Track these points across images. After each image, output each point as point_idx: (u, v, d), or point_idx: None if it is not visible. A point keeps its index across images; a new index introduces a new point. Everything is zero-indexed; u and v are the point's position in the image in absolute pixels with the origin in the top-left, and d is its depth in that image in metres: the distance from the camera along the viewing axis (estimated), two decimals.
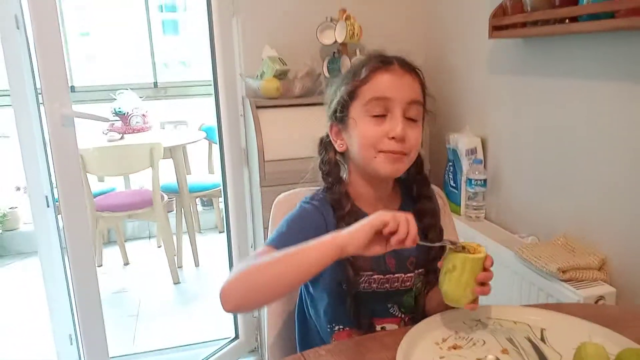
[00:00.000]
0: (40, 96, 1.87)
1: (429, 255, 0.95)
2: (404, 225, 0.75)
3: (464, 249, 0.82)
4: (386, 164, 0.88)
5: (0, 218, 3.39)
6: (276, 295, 0.82)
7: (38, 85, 1.85)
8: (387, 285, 0.94)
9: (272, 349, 1.12)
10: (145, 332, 2.41)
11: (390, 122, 0.87)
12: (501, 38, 1.58)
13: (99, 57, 4.53)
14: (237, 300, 0.79)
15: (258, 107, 1.81)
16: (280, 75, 1.85)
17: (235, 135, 1.99)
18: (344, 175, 0.97)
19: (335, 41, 1.90)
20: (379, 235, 0.76)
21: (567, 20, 1.29)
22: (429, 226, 0.96)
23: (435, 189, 1.13)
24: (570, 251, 1.36)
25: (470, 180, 1.70)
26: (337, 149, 0.95)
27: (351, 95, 0.90)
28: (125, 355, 2.12)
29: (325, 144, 0.98)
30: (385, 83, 0.88)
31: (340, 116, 0.92)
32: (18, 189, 3.48)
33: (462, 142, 1.75)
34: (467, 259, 0.80)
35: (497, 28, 1.53)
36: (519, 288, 1.41)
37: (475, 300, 0.82)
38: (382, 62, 0.89)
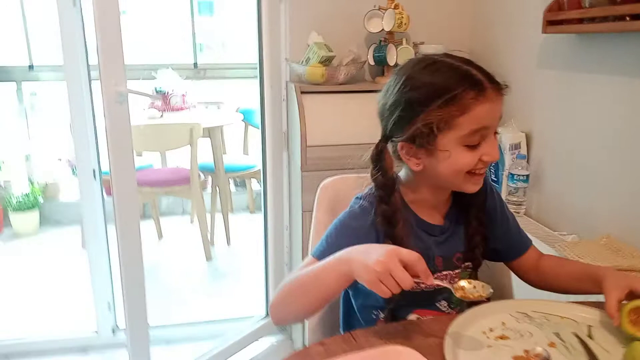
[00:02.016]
0: (91, 73, 1.95)
1: (474, 244, 0.97)
2: (398, 276, 0.72)
3: (463, 288, 0.79)
4: (473, 185, 0.89)
5: (42, 188, 3.52)
6: (310, 313, 0.87)
7: (90, 63, 1.92)
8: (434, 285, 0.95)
9: (313, 329, 1.15)
10: (177, 305, 2.49)
11: (486, 148, 0.85)
12: (555, 33, 1.55)
13: (137, 36, 4.59)
14: (279, 318, 0.88)
15: (302, 93, 1.83)
16: (326, 62, 1.86)
17: (277, 118, 2.02)
18: (398, 187, 0.94)
19: (382, 29, 1.90)
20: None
21: (627, 18, 1.27)
22: (474, 218, 0.97)
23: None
24: (614, 252, 1.34)
25: (512, 175, 1.69)
26: (412, 167, 0.90)
27: (446, 125, 0.83)
28: (160, 325, 2.19)
29: (382, 158, 0.92)
30: (484, 113, 0.83)
31: (426, 144, 0.85)
32: (60, 160, 3.59)
33: (506, 136, 1.73)
34: None
35: (552, 23, 1.51)
36: None
37: None
38: (476, 87, 0.82)
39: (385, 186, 0.92)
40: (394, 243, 0.89)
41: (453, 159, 0.85)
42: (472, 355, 0.77)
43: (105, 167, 1.67)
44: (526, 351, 0.77)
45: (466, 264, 0.97)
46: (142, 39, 4.41)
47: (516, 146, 1.72)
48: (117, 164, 1.56)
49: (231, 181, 3.73)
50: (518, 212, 1.72)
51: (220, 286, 2.72)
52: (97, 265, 2.13)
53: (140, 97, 3.24)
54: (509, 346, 0.80)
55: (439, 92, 0.83)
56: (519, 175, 1.68)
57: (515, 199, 1.71)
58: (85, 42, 1.90)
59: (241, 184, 3.85)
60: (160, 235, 3.27)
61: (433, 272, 0.92)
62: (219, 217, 3.21)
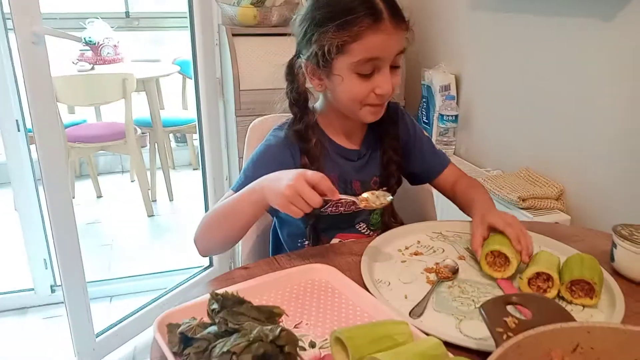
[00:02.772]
0: (7, 22, 1.81)
1: (389, 172, 1.00)
2: (306, 195, 0.75)
3: (366, 199, 0.82)
4: (370, 115, 0.91)
5: None
6: (232, 242, 0.90)
7: (5, 10, 1.79)
8: (353, 207, 0.98)
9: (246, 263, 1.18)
10: (120, 261, 2.45)
11: (378, 80, 0.86)
12: None
13: None
14: (204, 249, 0.91)
15: (234, 35, 1.79)
16: (258, 3, 1.82)
17: (210, 65, 1.97)
18: (312, 106, 0.96)
19: None
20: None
21: None
22: (388, 148, 1.00)
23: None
24: (531, 182, 1.43)
25: (442, 116, 1.75)
26: (315, 88, 0.92)
27: (338, 49, 0.84)
28: (101, 280, 2.16)
29: (294, 72, 0.93)
30: (376, 44, 0.83)
31: (323, 64, 0.86)
32: None
33: (436, 78, 1.78)
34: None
35: None
36: None
37: None
38: (373, 16, 0.82)
39: (298, 102, 0.94)
40: (311, 167, 0.91)
41: (346, 86, 0.87)
42: (387, 269, 0.82)
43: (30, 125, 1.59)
44: (437, 264, 0.82)
45: (384, 188, 1.01)
46: None
47: (446, 87, 1.77)
48: (38, 113, 1.48)
49: (172, 137, 3.63)
50: (447, 152, 1.78)
51: (163, 240, 2.69)
52: (29, 225, 2.05)
53: (69, 48, 3.07)
54: (422, 261, 0.85)
55: (337, 14, 0.84)
56: (448, 115, 1.74)
57: (445, 139, 1.77)
58: None
59: (182, 139, 3.76)
60: (99, 194, 3.17)
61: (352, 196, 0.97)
62: (160, 174, 3.15)
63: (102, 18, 3.15)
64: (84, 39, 3.06)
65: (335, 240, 1.00)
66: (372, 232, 1.03)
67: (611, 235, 0.82)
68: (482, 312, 0.56)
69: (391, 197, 0.82)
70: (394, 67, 0.88)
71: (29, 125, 1.87)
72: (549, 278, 0.73)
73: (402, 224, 0.97)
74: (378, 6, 0.83)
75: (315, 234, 0.97)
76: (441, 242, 0.91)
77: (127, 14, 3.39)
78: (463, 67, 1.79)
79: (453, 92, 1.78)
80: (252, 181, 0.85)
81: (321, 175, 0.77)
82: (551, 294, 0.72)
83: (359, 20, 0.82)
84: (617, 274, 0.80)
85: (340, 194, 0.90)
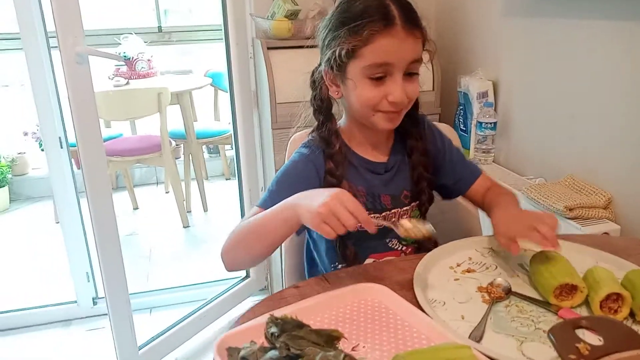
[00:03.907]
0: (50, 40, 1.87)
1: (420, 186, 0.99)
2: (341, 215, 0.73)
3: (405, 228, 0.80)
4: (384, 122, 0.89)
5: (10, 163, 3.43)
6: (261, 258, 0.88)
7: (48, 29, 1.85)
8: (384, 222, 0.96)
9: (289, 281, 1.18)
10: (158, 272, 2.49)
11: (390, 86, 0.85)
12: None
13: (99, 1, 4.41)
14: (231, 265, 0.90)
15: (269, 48, 1.80)
16: (292, 16, 1.83)
17: (245, 77, 1.99)
18: (337, 115, 0.97)
19: None
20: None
21: None
22: (417, 164, 0.98)
23: (442, 127, 1.16)
24: (577, 191, 1.39)
25: (480, 123, 1.72)
26: (332, 95, 0.93)
27: (349, 54, 0.85)
28: (141, 292, 2.20)
29: (317, 80, 0.95)
30: (387, 48, 0.83)
31: (337, 69, 0.88)
32: (26, 134, 3.49)
33: (473, 85, 1.75)
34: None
35: None
36: None
37: None
38: (384, 21, 0.82)
39: (320, 109, 0.95)
40: (336, 178, 0.92)
41: (359, 91, 0.87)
42: (440, 288, 0.80)
43: (72, 139, 1.63)
44: (489, 284, 0.80)
45: (415, 202, 0.99)
46: (104, 3, 4.24)
47: (483, 94, 1.74)
48: (82, 130, 1.52)
49: (205, 148, 3.69)
50: (487, 160, 1.75)
51: (200, 251, 2.72)
52: (72, 238, 2.11)
53: (105, 64, 3.15)
54: (475, 278, 0.83)
55: (350, 19, 0.85)
56: (486, 123, 1.71)
57: (484, 147, 1.74)
58: (40, 7, 1.83)
59: (214, 150, 3.81)
60: (135, 206, 3.24)
61: (381, 211, 0.96)
62: (194, 185, 3.19)
63: (135, 33, 3.23)
64: (119, 54, 3.14)
65: (369, 261, 0.98)
66: (404, 247, 1.01)
67: None
68: (552, 337, 0.54)
69: (433, 229, 0.79)
70: (409, 75, 0.87)
71: (70, 140, 1.93)
72: (618, 297, 0.70)
73: (435, 240, 0.95)
74: (391, 11, 0.83)
75: (344, 252, 0.95)
76: (493, 258, 0.89)
77: (159, 28, 3.46)
78: (500, 73, 1.76)
79: (491, 98, 1.75)
80: (276, 197, 0.86)
81: (358, 205, 0.74)
82: (623, 313, 0.69)
83: (370, 24, 0.83)
84: None
85: (369, 209, 0.92)
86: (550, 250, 0.79)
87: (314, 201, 0.75)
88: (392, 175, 0.98)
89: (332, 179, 0.93)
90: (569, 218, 1.31)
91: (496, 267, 0.86)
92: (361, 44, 0.84)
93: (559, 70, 1.50)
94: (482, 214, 1.14)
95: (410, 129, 0.99)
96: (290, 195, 0.83)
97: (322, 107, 0.95)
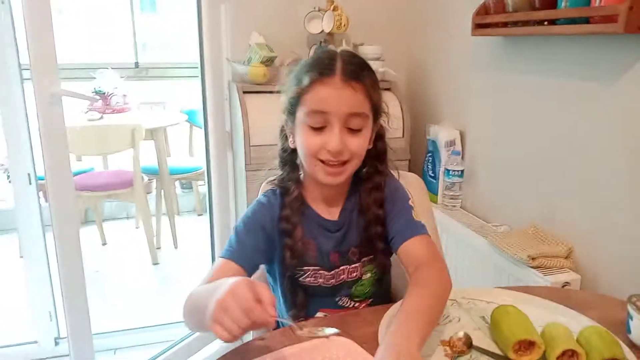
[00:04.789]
0: (22, 73, 1.87)
1: (371, 242, 0.97)
2: (235, 316, 0.65)
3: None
4: (325, 175, 0.91)
5: None
6: (205, 331, 0.80)
7: (22, 62, 1.85)
8: (333, 280, 0.98)
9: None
10: (124, 311, 2.43)
11: (328, 135, 0.87)
12: (483, 36, 1.64)
13: (75, 35, 4.42)
14: (188, 326, 0.87)
15: (245, 92, 1.84)
16: (267, 62, 1.88)
17: (220, 118, 2.02)
18: (300, 166, 0.98)
19: (322, 31, 1.93)
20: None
21: (546, 23, 1.36)
22: (369, 224, 0.97)
23: (410, 176, 1.19)
24: (540, 240, 1.44)
25: (448, 170, 1.78)
26: (291, 145, 0.95)
27: (295, 101, 0.90)
28: (105, 332, 2.14)
29: (284, 133, 0.98)
30: (323, 97, 0.86)
31: (289, 117, 0.93)
32: None
33: (441, 134, 1.82)
34: None
35: (480, 26, 1.60)
36: (491, 274, 1.50)
37: None
38: (322, 72, 0.87)
39: (285, 161, 0.98)
40: (291, 224, 0.94)
41: (301, 138, 0.90)
42: None
43: (40, 172, 1.61)
44: (451, 337, 0.82)
45: (366, 258, 0.99)
46: (81, 37, 4.25)
47: (451, 143, 1.81)
48: (52, 168, 1.51)
49: (177, 184, 3.66)
50: (454, 206, 1.80)
51: (168, 290, 2.67)
52: (35, 274, 2.05)
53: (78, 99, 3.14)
54: (438, 331, 0.85)
55: (300, 70, 0.91)
56: (454, 170, 1.77)
57: (451, 194, 1.80)
58: (15, 41, 1.83)
59: (187, 186, 3.79)
60: (104, 241, 3.17)
61: (329, 269, 0.97)
62: (165, 220, 3.15)
63: (112, 68, 3.24)
64: (95, 89, 3.14)
65: (320, 314, 0.99)
66: (357, 304, 1.02)
67: (627, 304, 0.82)
68: None
69: (331, 332, 0.75)
70: (353, 130, 0.88)
71: (39, 173, 1.90)
72: (573, 354, 0.73)
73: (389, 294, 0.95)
74: (332, 63, 0.88)
75: (294, 299, 0.97)
76: (456, 310, 0.92)
77: (136, 64, 3.48)
78: (468, 122, 1.84)
79: (458, 147, 1.82)
80: (238, 247, 0.90)
81: (255, 298, 0.66)
82: None
83: (312, 74, 0.88)
84: (634, 346, 0.80)
85: (319, 264, 0.94)
86: (511, 305, 0.82)
87: (216, 293, 0.68)
88: (342, 233, 0.99)
89: (286, 226, 0.95)
90: (532, 267, 1.35)
91: (459, 320, 0.88)
92: (304, 91, 0.88)
93: (524, 123, 1.57)
94: (446, 245, 1.15)
95: (368, 190, 0.98)
96: (252, 245, 0.89)
97: (286, 158, 0.98)
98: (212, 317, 0.66)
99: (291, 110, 0.91)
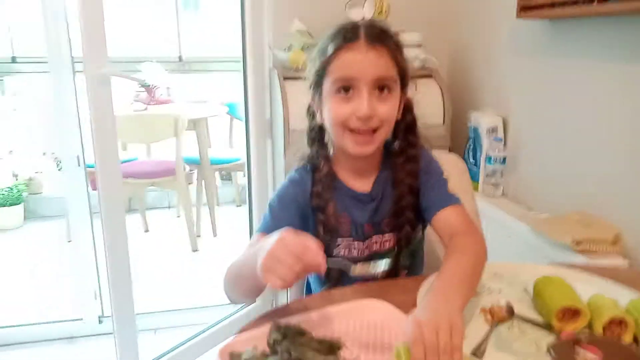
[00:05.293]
0: (75, 65, 1.96)
1: (404, 217, 0.96)
2: (288, 261, 0.67)
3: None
4: (355, 145, 0.90)
5: (27, 182, 3.50)
6: (253, 297, 0.88)
7: (74, 55, 1.94)
8: (367, 251, 0.98)
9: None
10: (165, 294, 2.50)
11: (356, 102, 0.87)
12: (528, 18, 1.60)
13: (122, 30, 4.56)
14: (231, 299, 0.91)
15: (285, 79, 1.86)
16: (308, 49, 1.90)
17: (260, 106, 2.05)
18: (329, 143, 0.98)
19: (364, 17, 1.93)
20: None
21: (595, 2, 1.32)
22: (401, 197, 0.95)
23: (451, 157, 1.18)
24: (585, 226, 1.40)
25: (489, 157, 1.74)
26: (319, 121, 0.96)
27: (321, 73, 0.89)
28: (147, 313, 2.20)
29: (311, 111, 0.99)
30: (348, 62, 0.86)
31: (315, 92, 0.93)
32: (44, 154, 3.58)
33: (483, 120, 1.79)
34: None
35: (525, 8, 1.56)
36: (534, 260, 1.45)
37: None
38: (346, 38, 0.86)
39: (314, 139, 0.98)
40: (322, 200, 0.94)
41: (329, 107, 0.90)
42: None
43: (90, 161, 1.67)
44: (493, 305, 0.81)
45: (397, 229, 0.97)
46: (127, 32, 4.39)
47: (493, 129, 1.77)
48: (101, 150, 1.57)
49: (217, 174, 3.74)
50: (495, 193, 1.77)
51: (207, 275, 2.73)
52: (82, 256, 2.14)
53: (126, 90, 3.25)
54: (478, 300, 0.83)
55: (323, 41, 0.90)
56: (496, 157, 1.73)
57: (493, 181, 1.76)
58: (68, 33, 1.92)
59: (227, 177, 3.86)
60: (146, 228, 3.27)
61: (363, 239, 0.96)
62: (204, 210, 3.23)
63: (156, 61, 3.34)
64: (140, 81, 3.24)
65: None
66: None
67: None
68: (552, 353, 0.55)
69: (383, 267, 0.78)
70: (381, 93, 0.88)
71: (88, 162, 1.99)
72: (621, 323, 0.70)
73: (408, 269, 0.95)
74: (355, 29, 0.88)
75: (328, 273, 0.96)
76: (497, 282, 0.90)
77: (180, 58, 3.58)
78: (510, 109, 1.80)
79: (500, 134, 1.78)
80: (272, 222, 0.91)
81: (305, 243, 0.68)
82: (626, 340, 0.70)
83: (337, 41, 0.87)
84: None
85: (352, 236, 0.94)
86: (555, 276, 0.80)
87: (263, 249, 0.70)
88: (375, 205, 0.98)
89: (318, 202, 0.95)
90: (576, 252, 1.31)
91: (500, 291, 0.87)
92: (329, 60, 0.88)
93: (568, 108, 1.53)
94: (486, 232, 1.14)
95: (402, 162, 0.97)
96: (286, 219, 0.89)
97: (315, 136, 0.98)
98: (263, 268, 0.68)
99: (318, 83, 0.91)
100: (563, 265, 0.97)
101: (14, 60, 3.32)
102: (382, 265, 0.77)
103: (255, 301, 1.96)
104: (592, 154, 1.45)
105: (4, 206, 3.31)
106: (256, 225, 2.16)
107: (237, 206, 3.71)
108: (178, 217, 3.50)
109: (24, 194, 3.46)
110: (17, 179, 3.47)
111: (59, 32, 1.88)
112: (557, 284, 0.79)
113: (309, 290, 1.11)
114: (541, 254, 1.42)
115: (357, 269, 0.79)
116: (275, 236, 0.70)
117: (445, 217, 0.92)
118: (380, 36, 0.88)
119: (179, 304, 2.33)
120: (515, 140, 1.78)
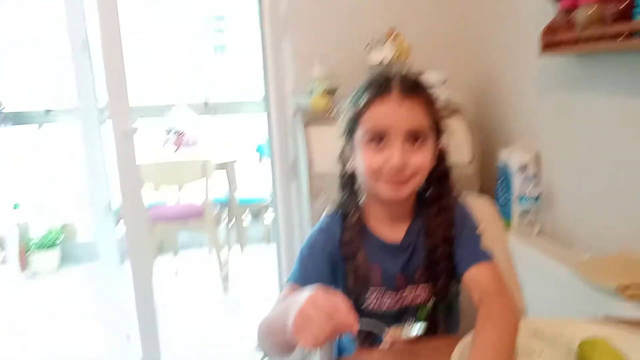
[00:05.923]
0: (100, 116, 2.01)
1: (438, 263, 0.93)
2: (320, 321, 0.66)
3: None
4: (388, 191, 0.89)
5: (62, 228, 3.59)
6: (285, 354, 0.82)
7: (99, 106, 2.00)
8: (399, 303, 0.94)
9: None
10: (194, 338, 2.48)
11: (389, 152, 0.87)
12: (553, 54, 1.56)
13: (146, 75, 4.65)
14: (268, 355, 0.88)
15: (308, 123, 1.86)
16: (330, 92, 1.90)
17: (284, 150, 2.06)
18: (360, 190, 0.98)
19: (384, 59, 1.93)
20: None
21: (621, 37, 1.27)
22: (435, 248, 0.93)
23: (481, 201, 1.14)
24: (632, 268, 1.31)
25: (522, 196, 1.68)
26: (350, 168, 0.96)
27: (354, 122, 0.90)
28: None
29: (343, 158, 0.98)
30: (381, 114, 0.87)
31: (348, 140, 0.93)
32: (77, 200, 3.67)
33: (513, 158, 1.73)
34: None
35: (549, 45, 1.53)
36: (575, 307, 1.38)
37: None
38: (380, 90, 0.88)
39: (345, 185, 0.98)
40: (351, 249, 0.93)
41: (362, 157, 0.90)
42: None
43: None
44: None
45: (431, 283, 0.94)
46: (154, 79, 4.52)
47: (524, 167, 1.72)
48: (127, 197, 1.60)
49: (248, 211, 3.77)
50: (531, 233, 1.70)
51: (237, 317, 2.71)
52: (112, 299, 2.14)
53: (156, 134, 3.35)
54: None
55: (356, 92, 0.92)
56: (529, 194, 1.67)
57: (527, 220, 1.69)
58: (94, 87, 1.98)
59: (254, 216, 3.88)
60: (176, 271, 3.30)
61: (395, 290, 0.94)
62: (236, 247, 3.25)
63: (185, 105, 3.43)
64: (168, 128, 3.34)
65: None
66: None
67: None
68: None
69: (417, 332, 0.76)
70: (414, 143, 0.87)
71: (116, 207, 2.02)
72: None
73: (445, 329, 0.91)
74: (388, 80, 0.89)
75: (359, 333, 0.91)
76: (538, 343, 0.84)
77: (206, 103, 3.65)
78: (541, 145, 1.74)
79: (532, 171, 1.72)
80: (303, 271, 0.91)
81: (336, 304, 0.67)
82: None
83: (370, 92, 0.89)
84: None
85: (383, 284, 0.92)
86: (600, 338, 0.74)
87: (294, 307, 0.69)
88: (408, 255, 0.95)
89: (348, 250, 0.93)
90: (623, 298, 1.22)
91: (541, 353, 0.81)
92: (363, 111, 0.89)
93: (601, 141, 1.47)
94: (524, 276, 1.08)
95: (436, 211, 0.94)
96: (316, 269, 0.88)
97: (346, 183, 0.98)
98: (294, 327, 0.67)
99: (350, 133, 0.92)
100: (611, 319, 0.90)
101: (47, 112, 3.46)
102: (417, 329, 0.74)
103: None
104: (633, 189, 1.37)
105: (41, 250, 3.41)
106: (284, 264, 2.15)
107: (267, 244, 3.72)
108: (210, 253, 3.53)
109: (59, 240, 3.54)
110: (52, 226, 3.56)
111: (87, 83, 1.94)
112: (602, 349, 0.73)
113: (339, 349, 1.06)
114: (584, 300, 1.34)
115: (390, 333, 0.75)
116: (306, 293, 0.69)
117: (475, 274, 0.89)
118: (413, 88, 0.89)
119: (214, 349, 2.30)
120: (549, 177, 1.71)
